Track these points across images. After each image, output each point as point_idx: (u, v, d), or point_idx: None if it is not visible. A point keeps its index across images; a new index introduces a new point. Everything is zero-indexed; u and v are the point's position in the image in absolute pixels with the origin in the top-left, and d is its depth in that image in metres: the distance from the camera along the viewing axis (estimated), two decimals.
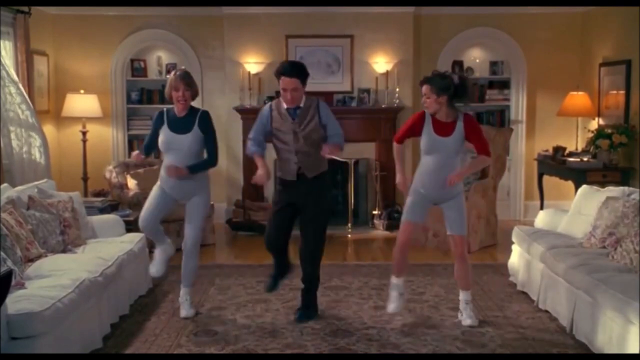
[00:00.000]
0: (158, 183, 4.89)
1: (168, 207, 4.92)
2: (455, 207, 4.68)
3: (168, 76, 8.52)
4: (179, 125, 4.71)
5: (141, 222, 4.90)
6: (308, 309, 4.89)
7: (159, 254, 5.06)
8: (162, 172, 4.82)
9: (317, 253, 4.82)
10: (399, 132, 4.83)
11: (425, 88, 4.56)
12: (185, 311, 4.90)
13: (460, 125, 4.56)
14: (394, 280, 4.76)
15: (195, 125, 4.71)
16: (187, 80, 4.68)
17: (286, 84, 4.57)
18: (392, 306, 4.75)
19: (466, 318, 4.72)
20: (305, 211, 4.75)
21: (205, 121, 4.76)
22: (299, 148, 4.67)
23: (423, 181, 4.64)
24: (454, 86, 4.53)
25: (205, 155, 4.80)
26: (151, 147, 4.95)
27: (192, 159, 4.72)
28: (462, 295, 4.78)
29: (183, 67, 4.74)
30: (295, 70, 4.60)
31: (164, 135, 4.72)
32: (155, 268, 5.07)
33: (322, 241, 4.84)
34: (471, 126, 4.60)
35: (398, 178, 4.79)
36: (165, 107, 5.01)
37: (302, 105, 4.69)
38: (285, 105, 4.68)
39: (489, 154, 4.66)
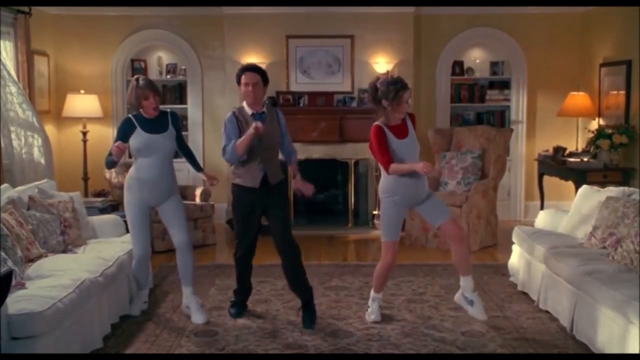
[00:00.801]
0: (130, 197, 4.78)
1: (149, 220, 4.91)
2: (431, 201, 4.67)
3: (168, 76, 8.56)
4: (154, 127, 4.73)
5: (141, 250, 4.84)
6: (314, 314, 4.82)
7: (140, 297, 5.06)
8: (136, 177, 4.75)
9: (298, 261, 4.81)
10: (384, 157, 4.51)
11: (408, 94, 4.56)
12: (200, 316, 4.82)
13: (409, 123, 4.66)
14: (377, 295, 4.83)
15: (170, 125, 4.80)
16: (154, 87, 4.75)
17: (248, 78, 4.66)
18: (373, 317, 4.80)
19: (478, 312, 4.67)
20: (271, 218, 4.78)
21: (178, 121, 4.92)
22: (263, 155, 4.69)
23: (397, 190, 4.55)
24: None
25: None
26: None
27: (169, 159, 4.81)
28: (466, 282, 4.68)
29: (138, 76, 4.79)
30: (256, 67, 4.79)
31: (141, 138, 4.69)
32: (138, 307, 5.01)
33: (296, 246, 4.81)
34: (414, 121, 4.73)
35: (420, 166, 4.34)
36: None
37: (265, 110, 4.74)
38: (249, 111, 4.72)
39: None
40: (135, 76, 4.83)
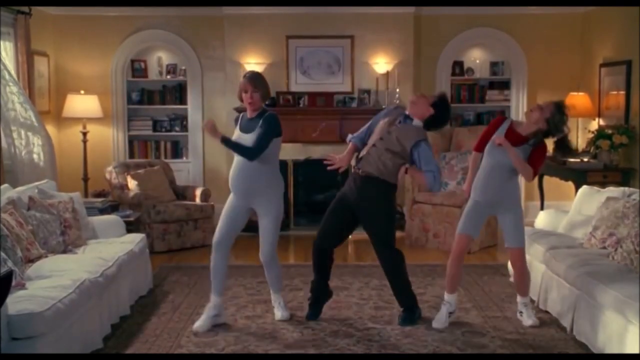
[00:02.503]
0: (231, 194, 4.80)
1: (240, 220, 4.76)
2: (509, 218, 4.63)
3: (168, 77, 8.62)
4: (247, 126, 4.66)
5: (215, 237, 4.78)
6: (410, 311, 4.84)
7: (209, 310, 4.77)
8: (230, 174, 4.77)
9: (393, 260, 4.88)
10: (479, 140, 4.71)
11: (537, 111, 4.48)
12: (280, 312, 4.87)
13: (528, 149, 4.48)
14: (447, 297, 4.75)
15: (259, 126, 4.60)
16: (254, 82, 4.62)
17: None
18: (437, 323, 4.69)
19: (527, 319, 4.73)
20: (360, 216, 4.84)
21: (265, 120, 4.59)
22: (372, 150, 4.69)
23: (476, 186, 4.66)
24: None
25: (272, 160, 4.68)
26: None
27: (256, 161, 4.60)
28: (520, 299, 4.79)
29: (251, 71, 4.77)
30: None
31: (234, 137, 4.69)
32: (200, 323, 4.71)
33: (390, 257, 4.86)
34: (538, 155, 4.51)
35: (465, 186, 4.83)
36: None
37: (412, 122, 4.72)
38: (407, 111, 4.74)
39: (532, 177, 4.55)
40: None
